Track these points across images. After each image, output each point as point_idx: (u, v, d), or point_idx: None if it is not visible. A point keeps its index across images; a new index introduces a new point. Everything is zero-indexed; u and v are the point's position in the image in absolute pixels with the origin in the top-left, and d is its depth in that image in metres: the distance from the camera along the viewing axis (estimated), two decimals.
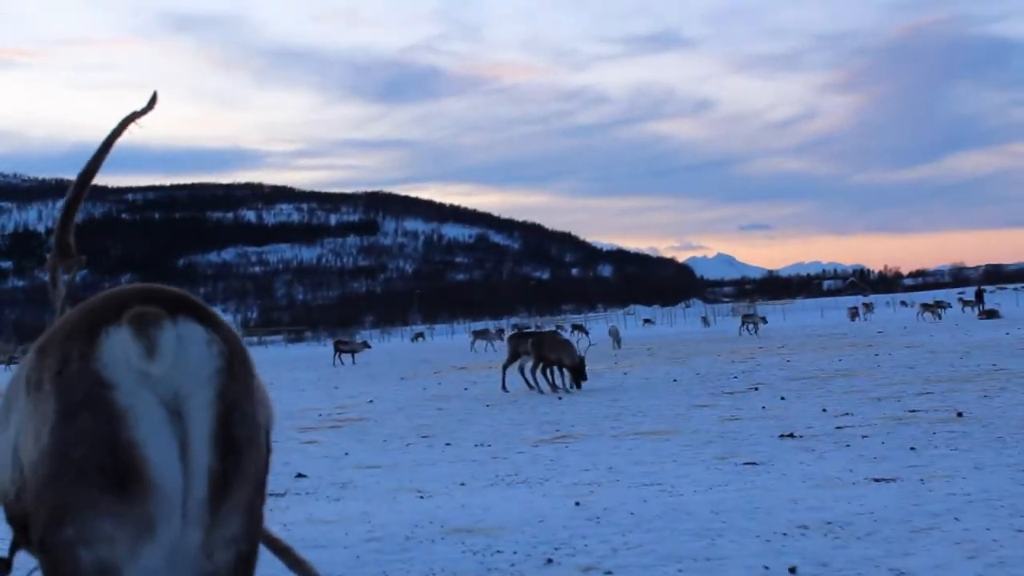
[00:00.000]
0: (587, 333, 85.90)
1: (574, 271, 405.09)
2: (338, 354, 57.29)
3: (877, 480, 10.07)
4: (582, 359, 26.04)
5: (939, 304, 79.07)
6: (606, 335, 58.35)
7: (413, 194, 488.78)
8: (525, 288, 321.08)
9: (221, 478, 3.24)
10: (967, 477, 9.93)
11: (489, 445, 15.54)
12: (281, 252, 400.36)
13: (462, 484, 11.60)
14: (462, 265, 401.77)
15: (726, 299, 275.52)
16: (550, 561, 7.36)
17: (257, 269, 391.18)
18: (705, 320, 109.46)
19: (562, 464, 12.83)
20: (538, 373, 26.18)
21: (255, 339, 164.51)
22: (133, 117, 5.43)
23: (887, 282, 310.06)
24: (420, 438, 17.17)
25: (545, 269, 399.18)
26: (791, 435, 14.16)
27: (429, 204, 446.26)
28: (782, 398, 19.91)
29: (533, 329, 35.11)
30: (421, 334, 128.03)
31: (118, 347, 3.18)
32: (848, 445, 12.84)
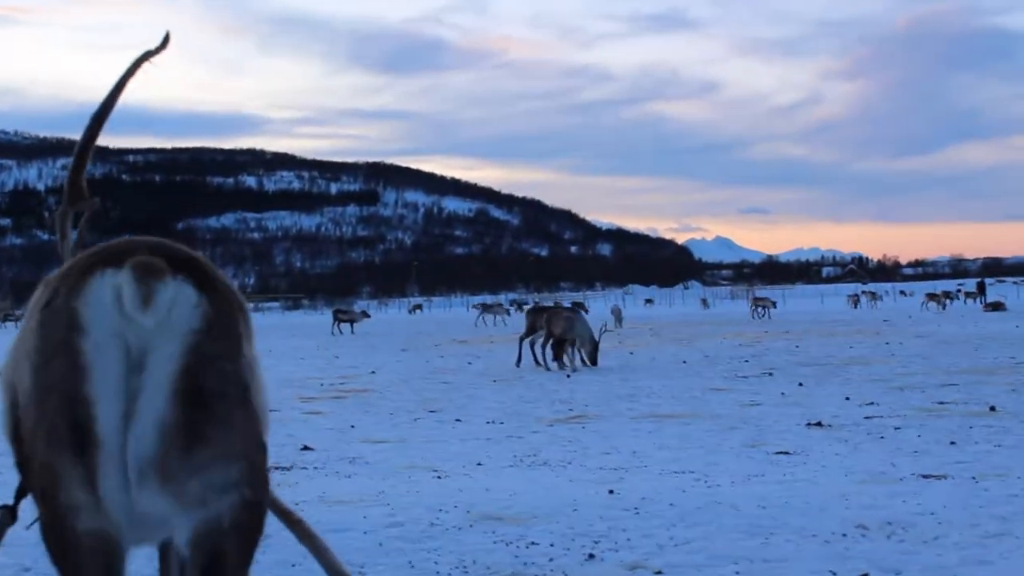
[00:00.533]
0: (587, 311, 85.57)
1: (573, 248, 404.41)
2: (337, 323, 56.75)
3: (926, 476, 9.47)
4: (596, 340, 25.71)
5: (947, 295, 78.68)
6: (607, 314, 57.81)
7: (414, 166, 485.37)
8: (524, 264, 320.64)
9: (185, 428, 3.14)
10: (1022, 476, 9.35)
11: (502, 423, 14.93)
12: (281, 219, 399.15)
13: (479, 464, 11.00)
14: (461, 239, 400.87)
15: (724, 282, 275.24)
16: (591, 556, 6.75)
17: (256, 235, 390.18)
18: (705, 302, 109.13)
19: (582, 446, 12.23)
20: (547, 349, 25.68)
21: (252, 305, 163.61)
22: (147, 56, 4.87)
23: (886, 271, 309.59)
24: (428, 412, 16.58)
25: (544, 245, 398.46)
26: (819, 424, 13.57)
27: (430, 176, 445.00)
28: (800, 384, 19.32)
29: (553, 304, 34.37)
30: (419, 306, 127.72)
31: (108, 288, 3.11)
32: (882, 437, 12.23)
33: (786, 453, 11.16)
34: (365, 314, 62.06)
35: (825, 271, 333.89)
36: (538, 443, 12.62)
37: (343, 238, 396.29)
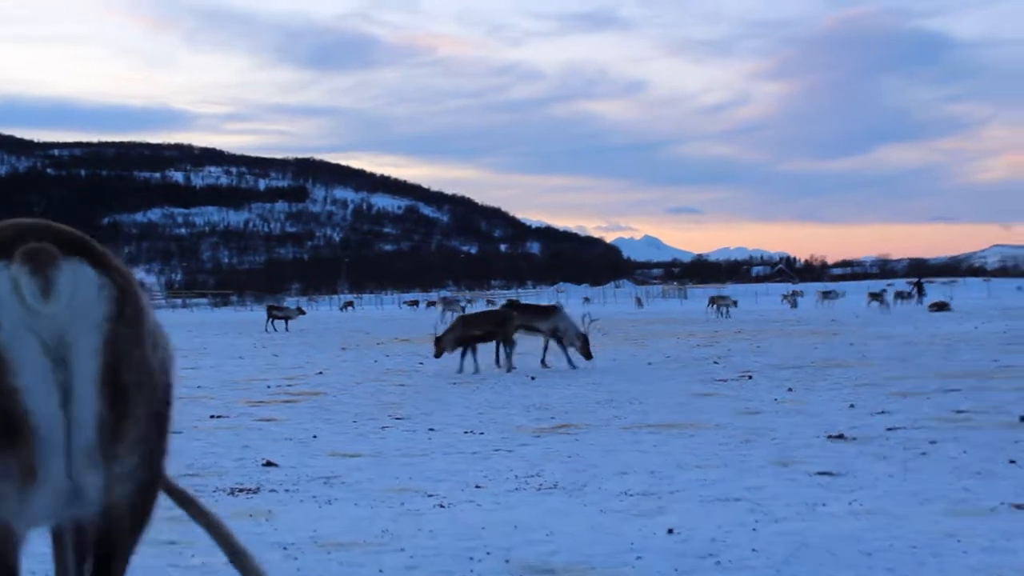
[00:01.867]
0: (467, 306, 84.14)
1: (503, 246, 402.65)
2: (271, 320, 54.93)
3: (1019, 507, 8.04)
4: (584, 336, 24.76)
5: (902, 294, 78.62)
6: None
7: (344, 162, 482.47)
8: (454, 261, 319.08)
9: (111, 422, 3.25)
10: None
11: (482, 433, 13.41)
12: (208, 215, 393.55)
13: (478, 487, 9.45)
14: (391, 236, 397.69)
15: (655, 281, 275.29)
16: None
17: (183, 231, 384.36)
18: (639, 301, 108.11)
19: (587, 463, 10.72)
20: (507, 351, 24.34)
21: (179, 301, 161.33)
22: None
23: (814, 271, 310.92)
24: (394, 420, 15.04)
25: (474, 243, 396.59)
26: (841, 436, 12.16)
27: (359, 173, 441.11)
28: (790, 390, 17.97)
29: (530, 302, 32.74)
30: (351, 303, 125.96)
31: (5, 282, 3.06)
32: (924, 453, 10.81)
33: (829, 474, 9.71)
34: (300, 311, 60.16)
35: (754, 270, 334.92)
36: (535, 459, 11.10)
37: (271, 234, 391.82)
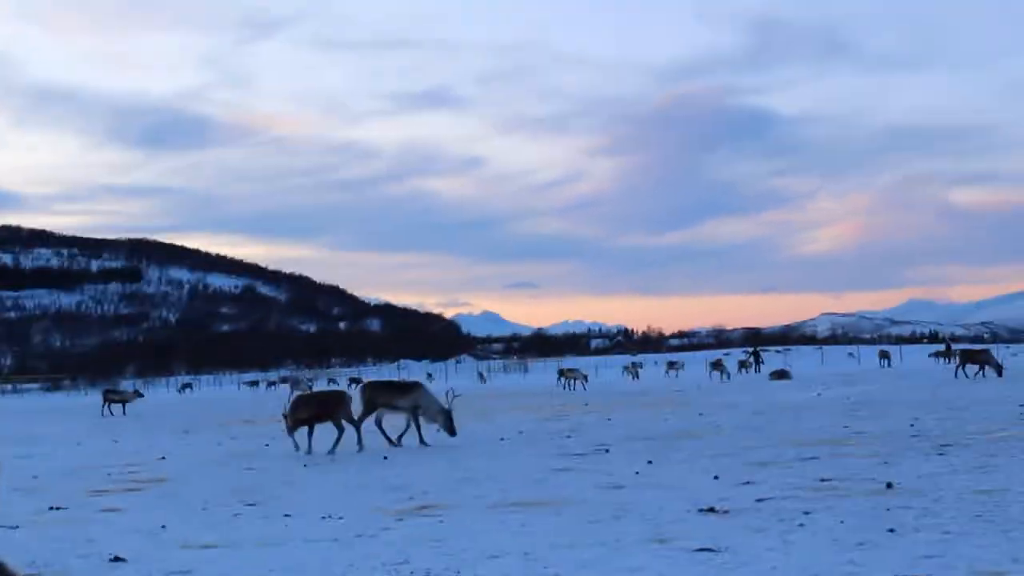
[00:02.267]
0: (311, 386, 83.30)
1: (342, 324, 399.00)
2: (107, 404, 53.24)
3: None
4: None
5: (748, 362, 79.95)
6: None
7: (178, 242, 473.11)
8: (293, 340, 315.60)
9: None
10: None
11: (341, 518, 12.79)
12: (39, 298, 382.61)
13: None
14: (228, 316, 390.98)
15: (495, 355, 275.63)
16: None
17: (12, 314, 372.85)
18: (482, 376, 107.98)
19: (456, 547, 10.22)
20: (370, 423, 23.83)
21: (10, 387, 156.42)
22: None
23: (652, 341, 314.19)
24: (246, 506, 14.34)
25: (313, 322, 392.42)
26: (712, 509, 11.87)
27: (195, 253, 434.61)
28: (649, 462, 17.69)
29: (394, 379, 31.74)
30: (189, 384, 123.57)
31: None
32: (801, 525, 10.57)
33: (709, 550, 9.38)
34: (137, 393, 58.58)
35: (593, 343, 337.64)
36: (400, 544, 10.55)
37: (105, 316, 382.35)
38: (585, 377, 66.93)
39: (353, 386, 77.49)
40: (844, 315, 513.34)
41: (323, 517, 12.88)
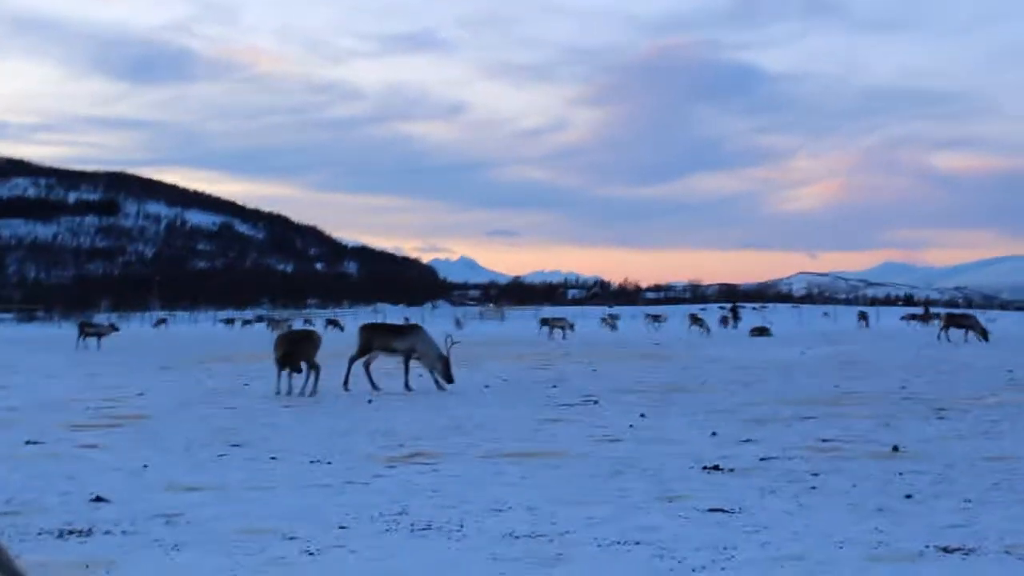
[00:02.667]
0: (342, 328, 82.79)
1: (319, 265, 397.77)
2: (83, 337, 52.54)
3: (947, 550, 7.41)
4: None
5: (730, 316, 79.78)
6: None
7: (157, 177, 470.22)
8: (269, 279, 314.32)
9: None
10: None
11: (329, 462, 12.35)
12: (14, 228, 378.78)
13: (343, 528, 8.45)
14: (205, 252, 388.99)
15: (471, 302, 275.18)
16: None
17: None
18: (458, 322, 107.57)
19: (454, 498, 9.80)
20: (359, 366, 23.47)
21: None
22: None
23: (628, 294, 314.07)
24: (230, 447, 13.86)
25: (290, 262, 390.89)
26: (716, 467, 11.47)
27: (173, 188, 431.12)
28: (642, 415, 17.27)
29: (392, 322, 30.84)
30: (164, 320, 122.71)
31: None
32: (814, 488, 10.17)
33: (722, 511, 8.98)
34: (114, 327, 57.86)
35: (570, 293, 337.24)
36: (395, 493, 10.13)
37: (80, 248, 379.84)
38: (571, 326, 66.11)
39: (330, 328, 77.21)
40: (820, 275, 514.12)
41: (311, 461, 12.43)
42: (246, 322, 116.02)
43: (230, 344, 56.47)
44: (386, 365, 24.64)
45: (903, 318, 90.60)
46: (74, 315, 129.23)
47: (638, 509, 9.13)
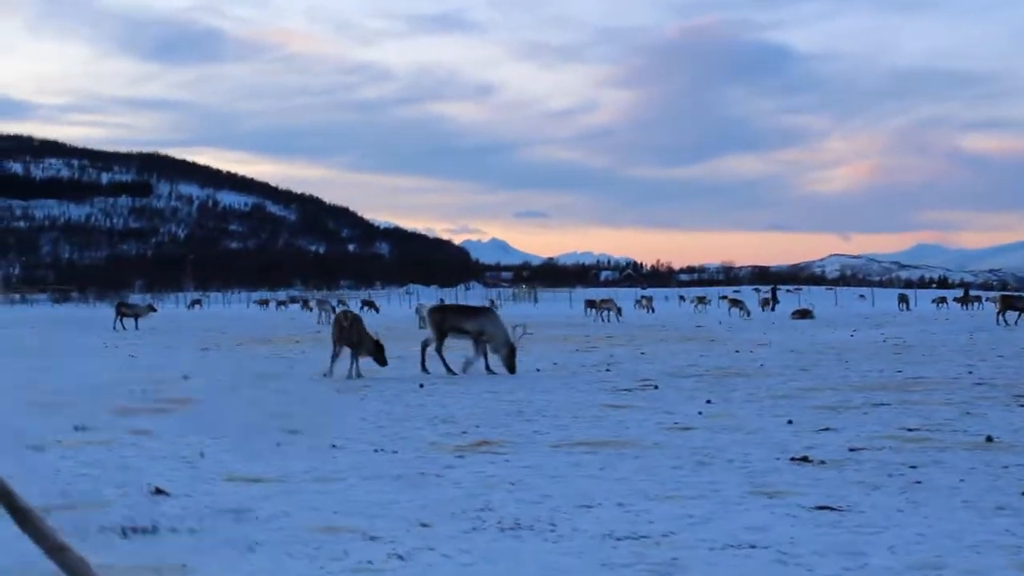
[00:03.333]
0: (377, 310, 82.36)
1: (351, 247, 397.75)
2: (120, 318, 52.25)
3: None
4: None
5: (765, 301, 78.92)
6: (412, 313, 55.02)
7: (189, 158, 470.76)
8: (302, 260, 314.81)
9: None
10: None
11: (395, 452, 11.77)
12: (48, 208, 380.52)
13: (425, 526, 7.84)
14: (237, 233, 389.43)
15: (504, 284, 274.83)
16: None
17: (22, 224, 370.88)
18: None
19: (536, 492, 9.18)
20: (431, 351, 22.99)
21: (18, 297, 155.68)
22: None
23: (660, 276, 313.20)
24: (287, 434, 13.28)
25: (322, 243, 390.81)
26: (805, 459, 10.83)
27: (205, 169, 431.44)
28: (708, 401, 16.63)
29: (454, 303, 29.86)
30: (198, 301, 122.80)
31: None
32: (919, 482, 9.50)
33: (830, 509, 8.34)
34: (151, 308, 57.56)
35: (602, 275, 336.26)
36: (471, 486, 9.53)
37: (114, 229, 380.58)
38: (620, 310, 64.46)
39: (367, 309, 76.69)
40: (853, 257, 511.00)
41: (376, 450, 11.85)
42: (280, 303, 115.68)
43: (267, 326, 56.10)
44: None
45: (934, 301, 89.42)
46: (108, 296, 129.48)
47: (736, 506, 8.49)
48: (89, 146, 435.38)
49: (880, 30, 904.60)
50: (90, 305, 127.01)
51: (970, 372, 21.69)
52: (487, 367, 22.79)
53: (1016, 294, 49.57)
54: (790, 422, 13.97)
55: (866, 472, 10.06)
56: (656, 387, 19.25)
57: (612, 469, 10.39)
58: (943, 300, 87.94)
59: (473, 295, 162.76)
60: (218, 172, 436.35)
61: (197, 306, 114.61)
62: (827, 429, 13.24)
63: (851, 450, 11.44)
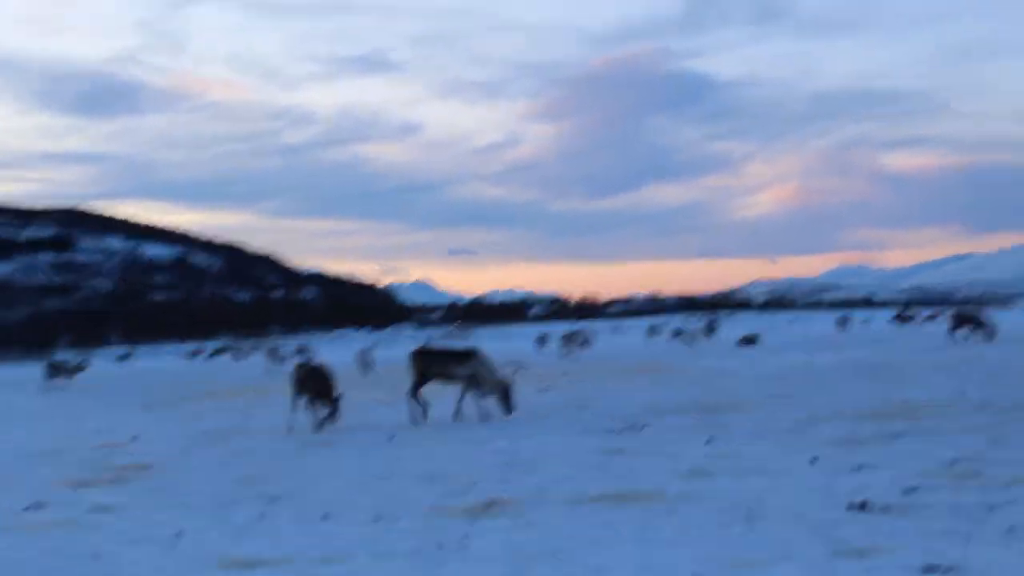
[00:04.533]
0: (311, 356, 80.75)
1: (277, 293, 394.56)
2: (51, 376, 50.24)
3: None
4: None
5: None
6: (350, 359, 53.61)
7: (111, 211, 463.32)
8: (229, 309, 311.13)
9: None
10: None
11: (399, 518, 10.47)
12: None
13: None
14: (162, 285, 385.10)
15: (434, 324, 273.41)
16: None
17: None
18: (428, 344, 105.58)
19: (585, 566, 7.97)
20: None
21: None
22: None
23: (590, 309, 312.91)
24: (268, 502, 11.93)
25: (248, 290, 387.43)
26: (863, 505, 9.69)
27: (126, 223, 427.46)
28: (708, 441, 15.46)
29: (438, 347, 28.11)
30: (127, 355, 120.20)
31: None
32: (1011, 529, 8.39)
33: (941, 569, 7.19)
34: (81, 367, 55.39)
35: (531, 310, 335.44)
36: (507, 561, 8.27)
37: (37, 286, 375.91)
38: (585, 340, 61.94)
39: (300, 356, 75.06)
40: (776, 280, 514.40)
41: (375, 519, 10.55)
42: (214, 353, 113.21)
43: (204, 378, 54.35)
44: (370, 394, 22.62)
45: (892, 320, 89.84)
46: (34, 354, 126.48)
47: (831, 570, 7.31)
48: (10, 203, 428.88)
49: (801, 55, 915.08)
50: (17, 364, 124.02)
51: (963, 393, 20.72)
52: (458, 413, 21.50)
53: (966, 312, 48.82)
54: (815, 460, 12.83)
55: (943, 518, 8.95)
56: (645, 427, 18.06)
57: (654, 529, 9.21)
58: (906, 318, 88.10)
59: (405, 337, 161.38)
60: (140, 224, 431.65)
61: (127, 360, 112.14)
62: (862, 467, 12.12)
63: (905, 492, 10.32)
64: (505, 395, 21.48)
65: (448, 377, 22.05)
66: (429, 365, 22.25)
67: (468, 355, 22.77)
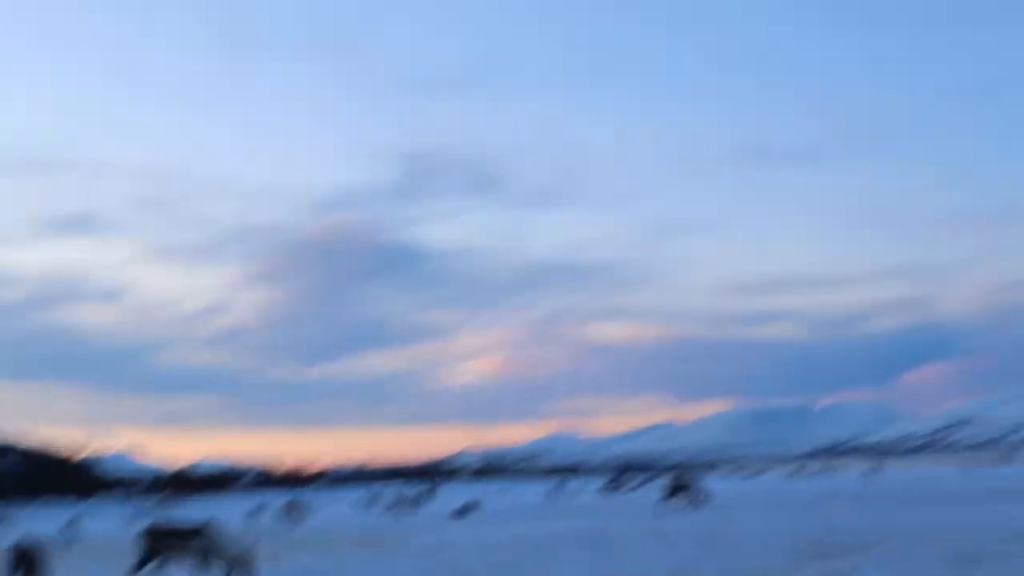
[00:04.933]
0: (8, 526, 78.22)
1: None
2: None
3: None
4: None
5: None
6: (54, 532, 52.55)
7: None
8: None
9: None
10: None
11: None
12: None
13: None
14: None
15: (140, 495, 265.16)
16: None
17: None
18: (133, 520, 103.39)
19: None
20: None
21: None
22: None
23: (300, 478, 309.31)
24: None
25: None
26: None
27: None
28: None
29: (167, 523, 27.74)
30: None
31: None
32: None
33: None
34: None
35: (242, 479, 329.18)
36: None
37: None
38: (303, 511, 62.26)
39: None
40: (489, 449, 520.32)
41: None
42: None
43: None
44: None
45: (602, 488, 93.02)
46: None
47: None
48: None
49: (511, 225, 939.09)
50: None
51: (681, 567, 22.30)
52: None
53: (681, 479, 51.06)
54: None
55: None
56: None
57: None
58: (615, 486, 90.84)
59: (111, 510, 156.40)
60: None
61: None
62: None
63: None
64: (250, 567, 21.68)
65: (181, 553, 22.10)
66: (159, 543, 22.21)
67: (201, 530, 22.74)
